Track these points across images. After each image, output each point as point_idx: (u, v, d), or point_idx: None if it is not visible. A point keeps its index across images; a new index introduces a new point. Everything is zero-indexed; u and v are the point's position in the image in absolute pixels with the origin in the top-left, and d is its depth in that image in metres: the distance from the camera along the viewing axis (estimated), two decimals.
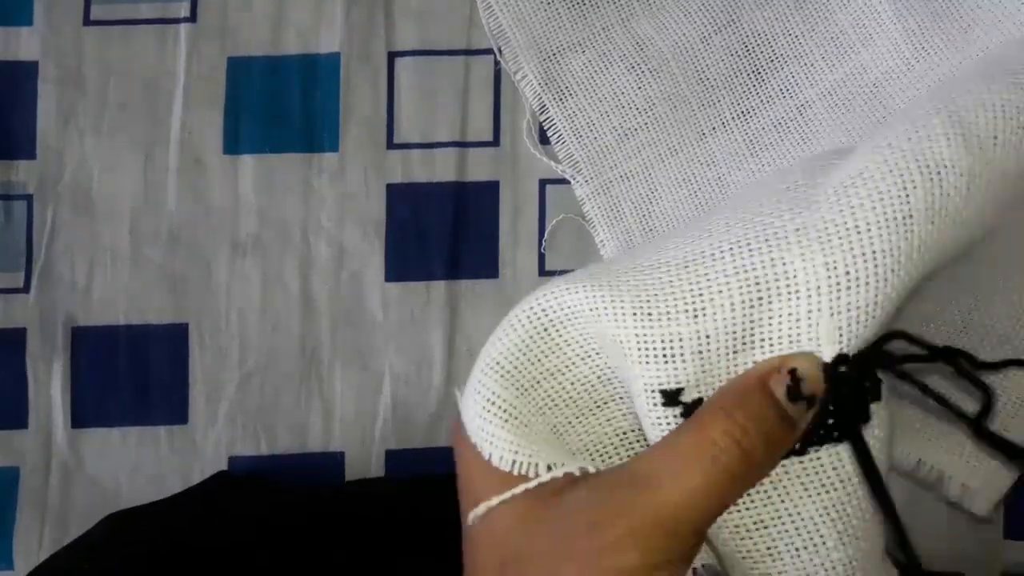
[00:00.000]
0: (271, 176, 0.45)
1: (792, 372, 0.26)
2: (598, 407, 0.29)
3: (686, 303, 0.26)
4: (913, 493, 0.39)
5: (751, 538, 0.27)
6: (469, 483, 0.27)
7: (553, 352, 0.28)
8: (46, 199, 0.44)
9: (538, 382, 0.28)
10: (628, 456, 0.30)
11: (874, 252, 0.25)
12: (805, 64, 0.43)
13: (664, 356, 0.27)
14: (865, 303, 0.25)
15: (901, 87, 0.42)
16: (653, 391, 0.27)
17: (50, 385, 0.44)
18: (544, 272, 0.44)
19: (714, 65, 0.44)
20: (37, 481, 0.43)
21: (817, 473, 0.27)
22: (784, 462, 0.27)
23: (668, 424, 0.27)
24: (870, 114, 0.42)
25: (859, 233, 0.25)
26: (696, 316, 0.26)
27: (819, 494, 0.27)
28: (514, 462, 0.27)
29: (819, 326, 0.26)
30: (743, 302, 0.26)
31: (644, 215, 0.43)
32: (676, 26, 0.44)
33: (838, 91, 0.43)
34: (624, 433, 0.30)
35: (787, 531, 0.27)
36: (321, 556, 0.35)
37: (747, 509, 0.27)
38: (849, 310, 0.25)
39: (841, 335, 0.26)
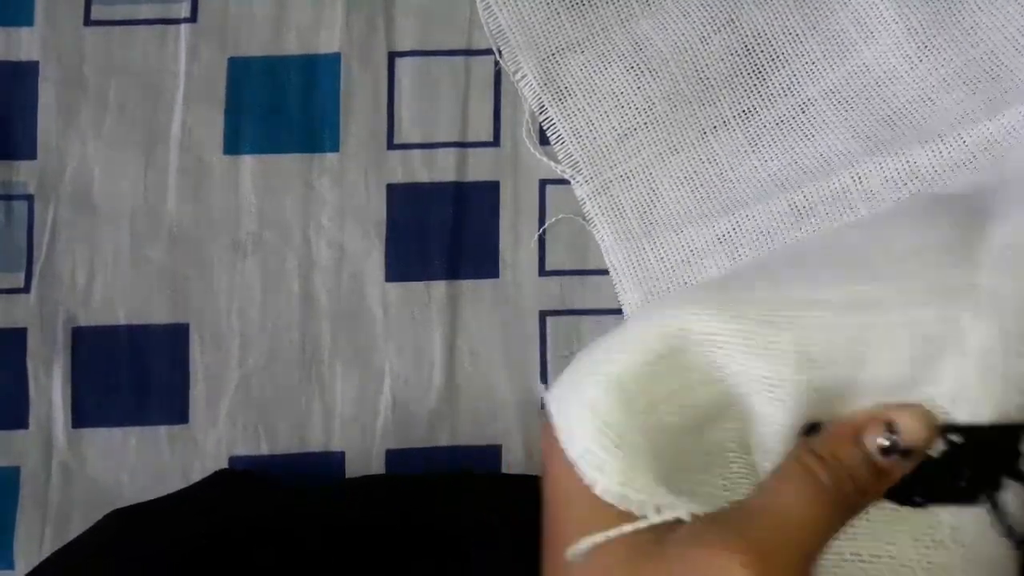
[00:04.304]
0: (271, 176, 0.45)
1: (889, 425, 0.25)
2: (697, 428, 0.28)
3: (851, 351, 0.25)
4: None
5: (842, 567, 0.26)
6: (563, 501, 0.26)
7: (675, 374, 0.26)
8: (47, 199, 0.44)
9: (655, 405, 0.26)
10: (707, 471, 0.29)
11: None
12: (806, 63, 0.43)
13: (820, 400, 0.26)
14: None
15: (905, 85, 0.42)
16: (801, 430, 0.26)
17: (51, 385, 0.44)
18: (544, 272, 0.44)
19: (714, 65, 0.44)
20: (38, 481, 0.43)
21: (932, 528, 0.26)
22: (900, 508, 0.26)
23: None
24: (874, 111, 0.42)
25: None
26: (862, 365, 0.25)
27: (927, 549, 0.26)
28: (623, 496, 0.25)
29: (986, 387, 0.25)
30: (912, 359, 0.25)
31: (644, 214, 0.43)
32: (675, 26, 0.44)
33: (841, 89, 0.43)
34: (707, 449, 0.29)
35: (882, 572, 0.26)
36: (322, 554, 0.35)
37: (848, 538, 0.26)
38: (1019, 379, 0.25)
39: (999, 402, 0.25)
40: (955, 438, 0.25)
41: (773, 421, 0.26)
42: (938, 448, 0.26)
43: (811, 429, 0.26)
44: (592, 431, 0.25)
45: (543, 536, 0.27)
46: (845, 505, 0.25)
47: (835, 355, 0.25)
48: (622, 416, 0.25)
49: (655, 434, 0.26)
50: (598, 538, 0.25)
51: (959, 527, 0.26)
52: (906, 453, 0.25)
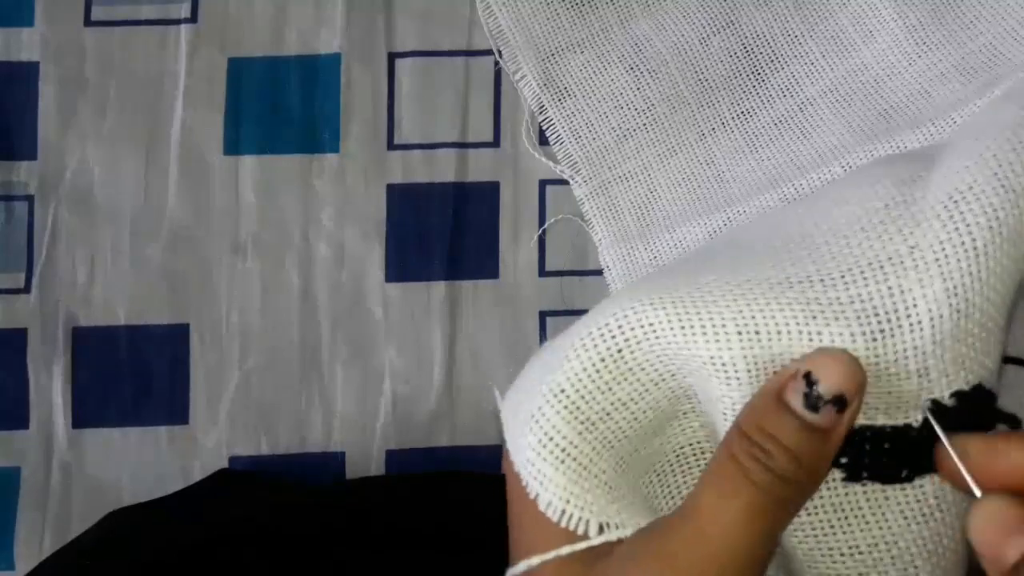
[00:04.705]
0: (271, 177, 0.45)
1: (807, 376, 0.23)
2: (661, 429, 0.27)
3: (798, 323, 0.24)
4: None
5: (844, 563, 0.26)
6: (517, 513, 0.25)
7: (625, 378, 0.25)
8: (47, 200, 0.44)
9: (608, 414, 0.25)
10: (684, 473, 0.28)
11: (989, 275, 0.23)
12: (806, 63, 0.43)
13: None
14: (979, 329, 0.24)
15: (903, 82, 0.42)
16: None
17: (51, 385, 0.44)
18: (544, 272, 0.44)
19: (713, 66, 0.44)
20: (38, 481, 0.43)
21: (919, 501, 0.25)
22: (886, 488, 0.25)
23: None
24: (872, 108, 0.42)
25: (976, 254, 0.23)
26: (811, 341, 0.24)
27: (918, 523, 0.25)
28: (563, 512, 0.24)
29: (945, 356, 0.24)
30: (863, 334, 0.24)
31: (643, 215, 0.43)
32: (675, 27, 0.44)
33: (839, 88, 0.43)
34: (681, 448, 0.28)
35: (882, 560, 0.25)
36: (321, 554, 0.35)
37: (843, 532, 0.26)
38: (969, 337, 0.24)
39: (964, 364, 0.24)
40: (929, 409, 0.25)
41: (732, 404, 0.25)
42: (916, 420, 0.25)
43: None
44: (535, 443, 0.25)
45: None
46: (785, 498, 0.23)
47: (781, 328, 0.24)
48: (567, 428, 0.25)
49: (615, 445, 0.26)
50: (534, 561, 0.24)
51: (941, 494, 0.25)
52: (840, 403, 0.23)
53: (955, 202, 0.24)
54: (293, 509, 0.38)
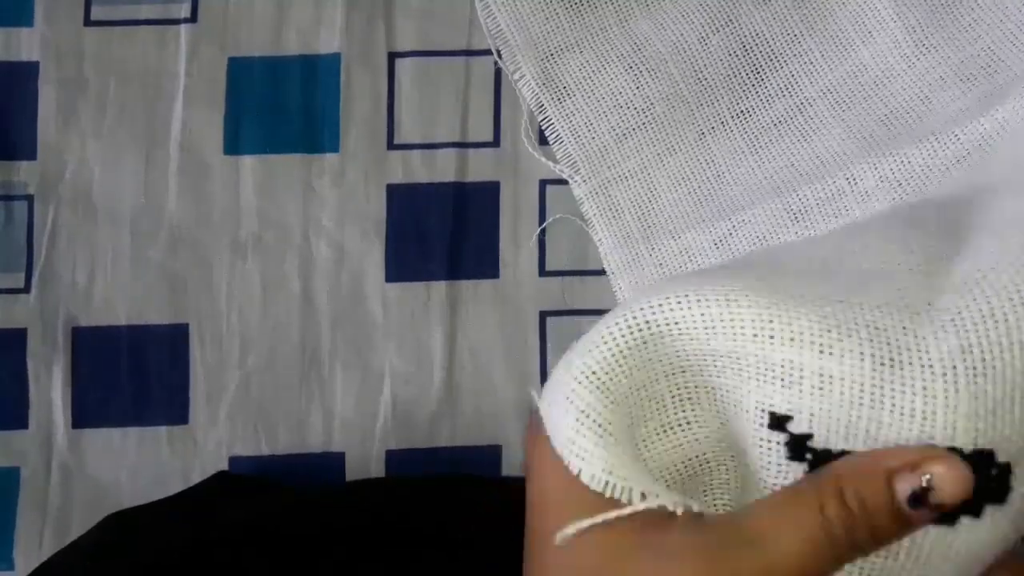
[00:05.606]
0: (271, 177, 0.45)
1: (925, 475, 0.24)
2: (664, 431, 0.28)
3: (812, 335, 0.25)
4: None
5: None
6: (548, 497, 0.26)
7: (644, 366, 0.27)
8: (47, 199, 0.44)
9: (627, 396, 0.27)
10: (687, 483, 0.29)
11: (1011, 343, 0.24)
12: (805, 63, 0.43)
13: (782, 380, 0.26)
14: (1002, 395, 0.24)
15: (903, 85, 0.42)
16: (763, 411, 0.26)
17: (51, 385, 0.44)
18: (544, 272, 0.44)
19: (712, 65, 0.44)
20: (38, 482, 0.43)
21: (915, 542, 0.25)
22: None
23: (769, 447, 0.26)
24: (872, 111, 0.42)
25: (996, 321, 0.24)
26: (822, 352, 0.25)
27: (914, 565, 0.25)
28: (607, 483, 0.25)
29: (957, 409, 0.24)
30: (872, 355, 0.25)
31: (643, 214, 0.43)
32: (674, 26, 0.44)
33: (839, 89, 0.43)
34: (688, 460, 0.29)
35: None
36: (321, 554, 0.35)
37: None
38: (987, 398, 0.24)
39: (978, 426, 0.24)
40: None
41: (739, 399, 0.26)
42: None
43: (780, 421, 0.26)
44: (572, 421, 0.26)
45: (526, 538, 0.27)
46: (848, 554, 0.24)
47: (795, 335, 0.25)
48: (600, 406, 0.26)
49: (633, 428, 0.27)
50: (584, 523, 0.25)
51: (951, 544, 0.25)
52: (937, 507, 0.24)
53: (976, 280, 0.25)
54: (293, 509, 0.38)
